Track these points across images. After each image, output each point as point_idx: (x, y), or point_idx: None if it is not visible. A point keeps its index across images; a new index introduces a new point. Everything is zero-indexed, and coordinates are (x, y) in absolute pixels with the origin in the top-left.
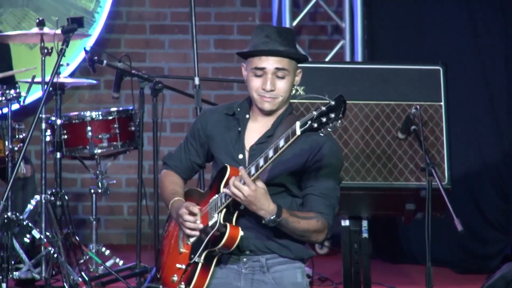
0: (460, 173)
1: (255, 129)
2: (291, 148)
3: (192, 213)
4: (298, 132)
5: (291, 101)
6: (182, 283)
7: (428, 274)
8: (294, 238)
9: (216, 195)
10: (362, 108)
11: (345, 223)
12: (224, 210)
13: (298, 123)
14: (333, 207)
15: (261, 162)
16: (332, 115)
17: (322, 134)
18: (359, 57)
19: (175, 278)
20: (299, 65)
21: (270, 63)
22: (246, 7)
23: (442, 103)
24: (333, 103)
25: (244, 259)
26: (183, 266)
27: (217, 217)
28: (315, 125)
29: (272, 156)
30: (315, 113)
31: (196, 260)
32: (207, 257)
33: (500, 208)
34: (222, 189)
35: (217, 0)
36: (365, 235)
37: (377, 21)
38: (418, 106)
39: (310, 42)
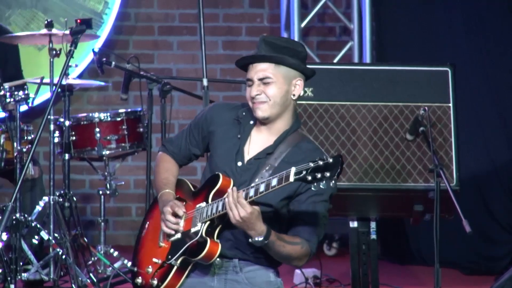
0: (469, 174)
1: (258, 140)
2: (284, 170)
3: (175, 214)
4: (292, 179)
5: (299, 102)
6: (155, 278)
7: (437, 275)
8: (274, 259)
9: (204, 203)
10: (371, 109)
11: (354, 224)
12: (208, 222)
13: (293, 170)
14: (318, 236)
15: (251, 192)
16: (327, 174)
17: (314, 189)
18: (367, 58)
19: (150, 269)
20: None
21: (254, 71)
22: (255, 8)
23: (451, 104)
24: (331, 160)
25: (217, 260)
26: (159, 261)
27: (200, 227)
28: (309, 178)
29: (262, 191)
30: (311, 164)
31: (172, 263)
32: (183, 262)
33: (509, 209)
34: (210, 198)
35: (226, 1)
36: (373, 236)
37: (385, 22)
38: (426, 108)
39: (319, 43)
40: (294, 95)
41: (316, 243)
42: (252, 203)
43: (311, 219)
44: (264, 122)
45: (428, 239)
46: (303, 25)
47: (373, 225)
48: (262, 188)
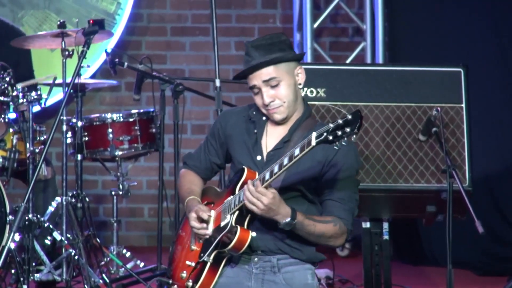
0: (481, 175)
1: (274, 133)
2: (307, 154)
3: (200, 219)
4: (313, 143)
5: (311, 103)
6: (190, 280)
7: (449, 276)
8: (311, 242)
9: (231, 196)
10: (383, 110)
11: (366, 225)
12: (237, 212)
13: (314, 134)
14: (352, 212)
15: (276, 168)
16: (348, 129)
17: (336, 148)
18: (380, 59)
19: (184, 274)
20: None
21: (256, 79)
22: (267, 9)
23: (463, 105)
24: (350, 117)
25: (255, 259)
26: (193, 264)
27: (229, 219)
28: (330, 137)
29: (286, 164)
30: (331, 125)
31: (205, 259)
32: (216, 257)
33: None
34: (237, 191)
35: (238, 2)
36: (386, 237)
37: (398, 23)
38: (439, 108)
39: (331, 44)
40: (300, 84)
41: (351, 220)
42: (269, 187)
43: (340, 196)
44: (282, 122)
45: (440, 240)
46: (315, 25)
47: (385, 225)
48: (285, 161)
